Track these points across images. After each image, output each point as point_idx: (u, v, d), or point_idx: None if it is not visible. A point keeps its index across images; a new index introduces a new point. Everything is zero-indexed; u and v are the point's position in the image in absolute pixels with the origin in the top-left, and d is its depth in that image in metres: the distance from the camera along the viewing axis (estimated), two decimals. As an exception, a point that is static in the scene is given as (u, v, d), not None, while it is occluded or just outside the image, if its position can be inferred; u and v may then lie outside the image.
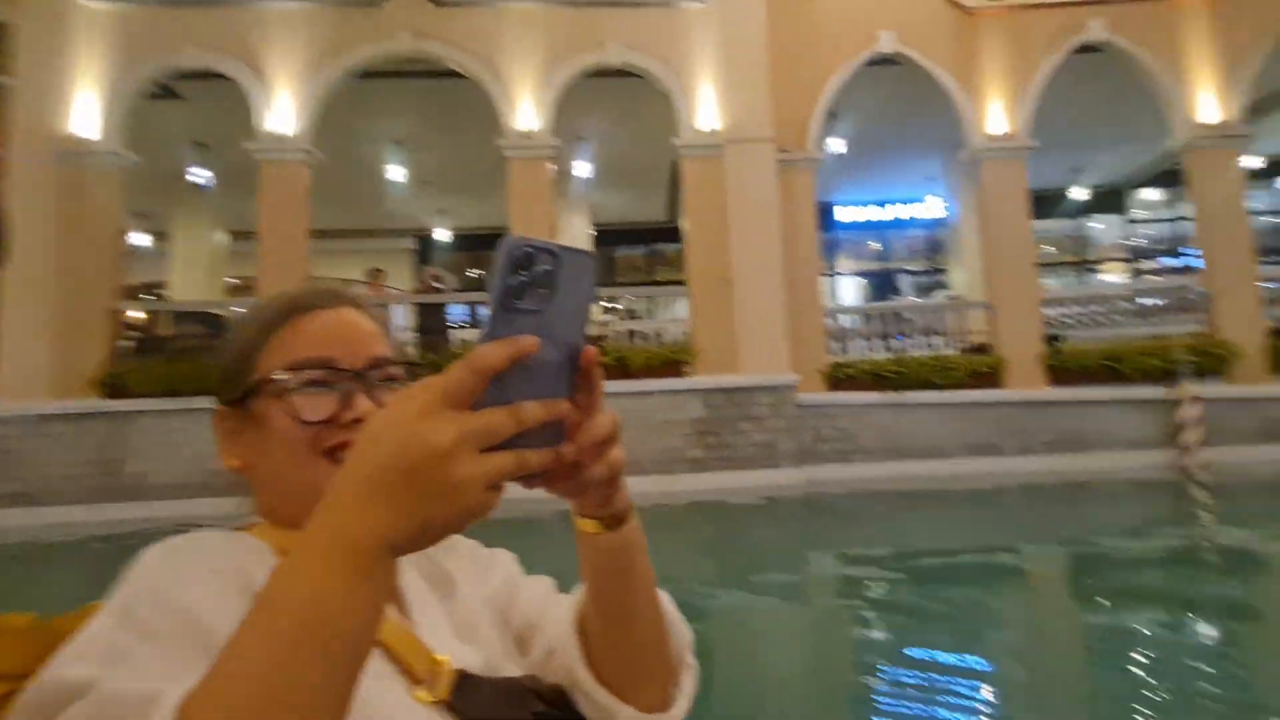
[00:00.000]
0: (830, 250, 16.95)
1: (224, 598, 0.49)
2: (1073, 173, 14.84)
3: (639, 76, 9.16)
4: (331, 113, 9.09)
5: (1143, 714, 2.77)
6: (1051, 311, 11.02)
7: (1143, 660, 3.37)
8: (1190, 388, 8.33)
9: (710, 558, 5.92)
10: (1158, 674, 3.20)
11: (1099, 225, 17.19)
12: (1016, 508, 7.52)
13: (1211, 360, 8.81)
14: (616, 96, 10.06)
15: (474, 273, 17.21)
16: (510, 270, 0.38)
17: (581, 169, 11.73)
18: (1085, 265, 17.33)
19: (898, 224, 16.92)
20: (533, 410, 0.38)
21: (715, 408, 8.38)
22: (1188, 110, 9.55)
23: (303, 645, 0.36)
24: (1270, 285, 10.63)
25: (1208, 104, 9.53)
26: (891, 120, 11.62)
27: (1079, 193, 15.54)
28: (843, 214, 16.76)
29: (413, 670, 0.54)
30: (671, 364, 8.52)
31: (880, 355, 9.53)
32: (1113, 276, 16.75)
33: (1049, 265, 17.04)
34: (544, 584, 0.69)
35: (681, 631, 0.62)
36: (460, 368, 0.37)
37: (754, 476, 8.25)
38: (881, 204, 16.62)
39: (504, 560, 0.70)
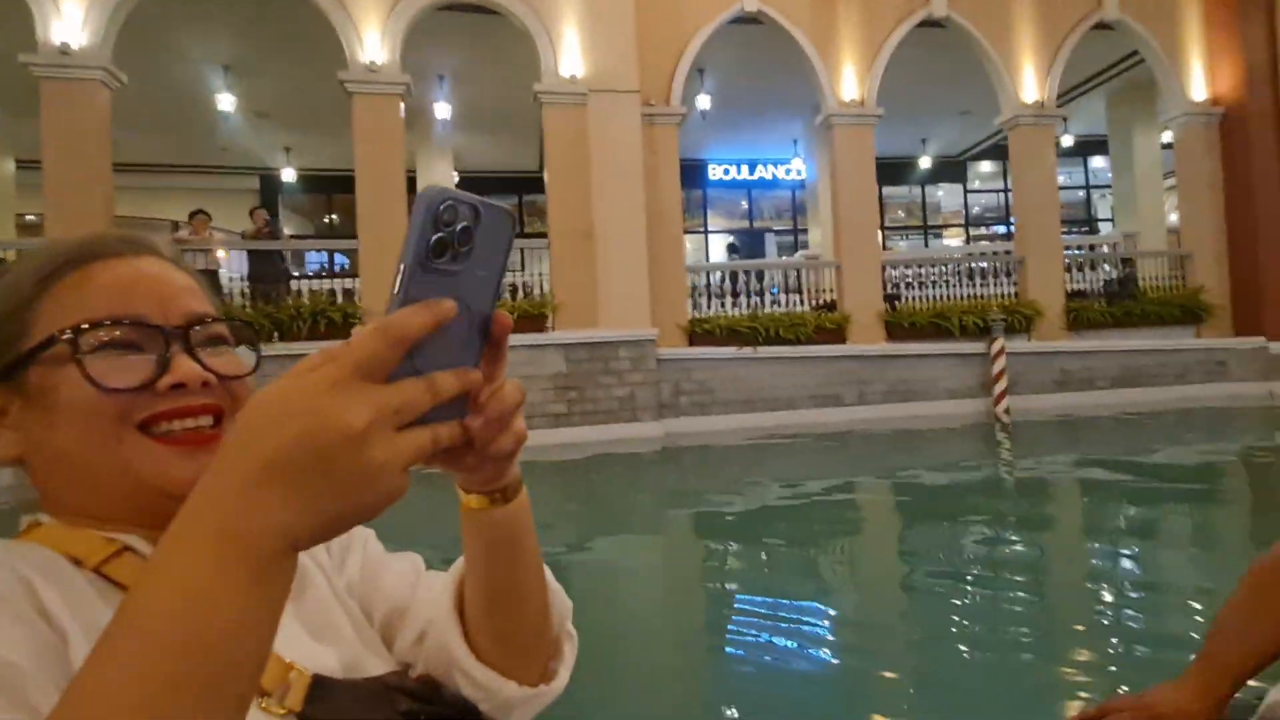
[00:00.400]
0: (702, 208, 17.27)
1: (16, 627, 0.39)
2: (920, 142, 15.91)
3: (500, 14, 8.69)
4: (139, 26, 7.93)
5: (960, 617, 3.21)
6: (896, 272, 11.91)
7: (958, 571, 3.89)
8: (1001, 343, 9.33)
9: (573, 510, 5.99)
10: (971, 581, 3.71)
11: (942, 192, 18.64)
12: (856, 452, 8.18)
13: (1020, 319, 9.90)
14: (480, 34, 9.51)
15: (329, 218, 16.00)
16: (430, 225, 0.33)
17: (443, 110, 11.08)
18: (929, 229, 18.79)
19: (765, 184, 17.47)
20: (447, 382, 0.34)
21: (576, 362, 8.38)
22: (1013, 89, 10.43)
23: (186, 673, 0.29)
24: (1071, 253, 12.04)
25: (1029, 84, 10.46)
26: (758, 80, 11.84)
27: (925, 161, 16.71)
28: (714, 172, 17.06)
29: None
30: (533, 318, 8.40)
31: (740, 311, 9.89)
32: (953, 240, 18.32)
33: (898, 229, 18.35)
34: (410, 561, 0.63)
35: (562, 601, 0.60)
36: (375, 336, 0.32)
37: (615, 430, 8.39)
38: (751, 164, 17.06)
39: (363, 540, 0.63)
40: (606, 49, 8.73)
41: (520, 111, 11.61)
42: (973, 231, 18.60)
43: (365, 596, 0.60)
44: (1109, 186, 16.17)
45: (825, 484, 6.39)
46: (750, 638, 3.09)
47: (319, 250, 12.81)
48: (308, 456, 0.30)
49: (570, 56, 8.64)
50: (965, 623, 3.15)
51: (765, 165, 17.05)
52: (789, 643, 2.98)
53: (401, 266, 0.33)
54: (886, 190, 17.46)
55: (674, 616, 3.60)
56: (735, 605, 3.58)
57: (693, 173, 15.98)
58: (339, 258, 15.20)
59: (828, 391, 9.30)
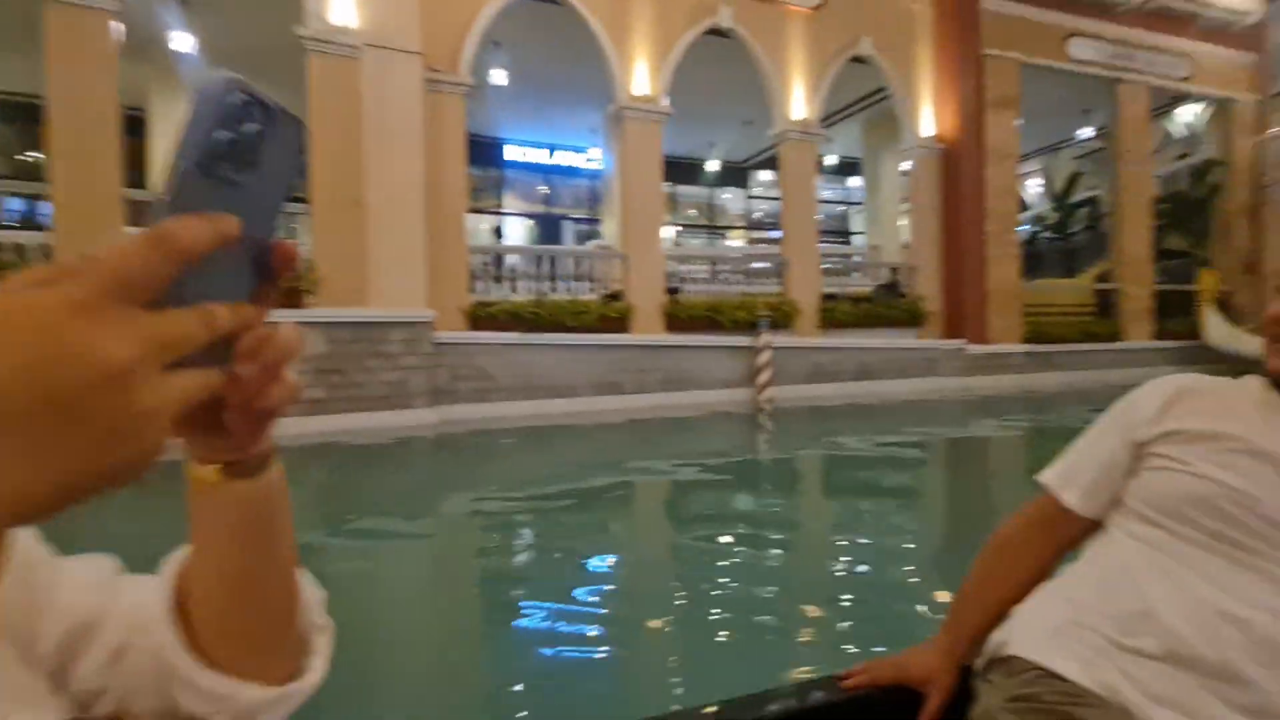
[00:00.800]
0: (498, 188, 16.75)
1: None
2: (709, 145, 16.86)
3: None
4: None
5: (726, 580, 3.48)
6: (684, 268, 12.50)
7: (723, 541, 4.25)
8: (766, 338, 10.20)
9: (326, 503, 5.48)
10: (735, 550, 4.06)
11: (728, 195, 20.00)
12: (633, 436, 8.47)
13: (783, 316, 10.90)
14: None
15: (28, 156, 12.96)
16: (218, 123, 0.28)
17: (182, 42, 9.44)
18: (715, 229, 20.06)
19: (565, 170, 17.41)
20: (224, 316, 0.29)
21: (340, 343, 7.64)
22: (784, 105, 11.39)
23: None
24: (828, 260, 13.54)
25: (799, 103, 11.50)
26: (558, 64, 11.66)
27: (713, 164, 17.78)
28: (512, 153, 16.62)
29: None
30: (289, 292, 7.48)
31: (524, 296, 9.71)
32: (735, 241, 19.74)
33: (690, 226, 19.35)
34: (96, 565, 0.51)
35: (311, 591, 0.51)
36: (146, 246, 0.25)
37: (383, 417, 7.81)
38: (551, 149, 16.87)
39: (17, 550, 0.47)
40: (384, 0, 7.98)
41: (286, 56, 10.31)
42: (753, 234, 20.20)
43: (25, 619, 0.47)
44: (862, 203, 18.48)
45: (602, 467, 6.56)
46: (525, 621, 3.09)
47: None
48: (42, 398, 0.23)
49: (341, 2, 7.78)
50: (729, 587, 3.39)
51: (565, 151, 16.98)
52: (564, 624, 3.02)
53: (178, 166, 0.28)
54: (681, 189, 18.28)
55: (443, 604, 3.51)
56: (509, 590, 3.57)
57: (488, 150, 15.41)
58: (44, 208, 12.39)
59: (609, 379, 9.48)
